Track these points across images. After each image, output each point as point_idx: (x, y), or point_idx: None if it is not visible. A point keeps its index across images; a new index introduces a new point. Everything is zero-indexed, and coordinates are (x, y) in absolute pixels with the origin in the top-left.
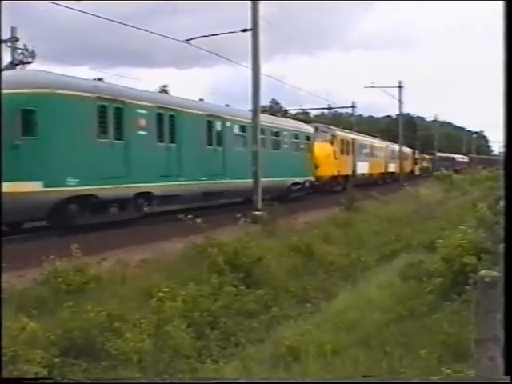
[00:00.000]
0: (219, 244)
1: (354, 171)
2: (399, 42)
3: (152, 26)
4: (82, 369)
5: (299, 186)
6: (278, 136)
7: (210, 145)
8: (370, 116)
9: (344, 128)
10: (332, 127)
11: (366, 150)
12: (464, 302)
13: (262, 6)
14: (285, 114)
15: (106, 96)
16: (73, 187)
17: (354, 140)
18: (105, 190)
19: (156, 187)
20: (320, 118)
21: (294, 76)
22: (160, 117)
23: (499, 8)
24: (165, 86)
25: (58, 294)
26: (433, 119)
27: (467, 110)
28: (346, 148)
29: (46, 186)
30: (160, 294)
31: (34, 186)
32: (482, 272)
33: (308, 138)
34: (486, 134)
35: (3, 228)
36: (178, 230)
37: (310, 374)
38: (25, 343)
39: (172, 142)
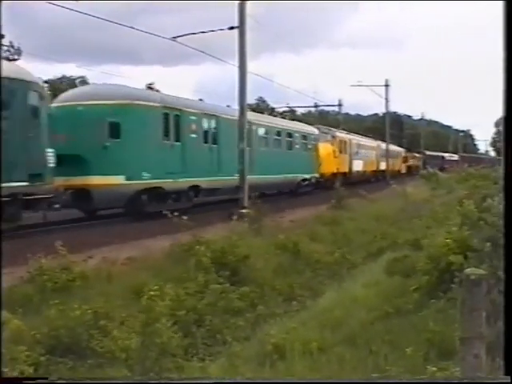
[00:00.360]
0: (206, 242)
1: (350, 169)
2: (386, 41)
3: (139, 24)
4: (68, 367)
5: (307, 182)
6: (291, 137)
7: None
8: (357, 114)
9: (330, 126)
10: (332, 129)
11: (360, 150)
12: (450, 300)
13: (249, 4)
14: (272, 111)
15: (168, 105)
16: (146, 180)
17: (350, 140)
18: (168, 183)
19: (203, 181)
20: (307, 117)
21: (282, 74)
22: (205, 122)
23: (487, 7)
24: (151, 84)
25: (43, 292)
26: (420, 118)
27: (454, 108)
28: (344, 148)
29: (127, 180)
30: (146, 291)
31: (119, 180)
32: (468, 270)
33: (314, 139)
34: (472, 132)
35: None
36: (165, 227)
37: (295, 372)
38: (10, 341)
39: (214, 143)
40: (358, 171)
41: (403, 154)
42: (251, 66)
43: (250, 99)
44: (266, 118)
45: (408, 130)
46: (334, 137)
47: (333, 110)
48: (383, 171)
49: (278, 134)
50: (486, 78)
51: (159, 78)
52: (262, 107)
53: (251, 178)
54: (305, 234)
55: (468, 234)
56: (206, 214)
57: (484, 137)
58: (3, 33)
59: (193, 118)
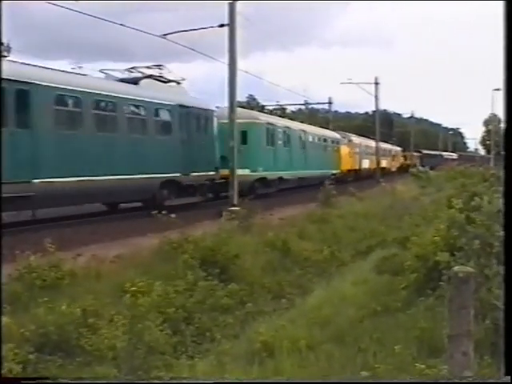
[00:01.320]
0: (195, 240)
1: (360, 166)
2: (377, 40)
3: (131, 21)
4: (57, 365)
5: (333, 176)
6: (325, 142)
7: (303, 148)
8: (347, 112)
9: (320, 124)
10: (347, 134)
11: (367, 150)
12: (438, 297)
13: (240, 3)
14: (262, 109)
15: (268, 122)
16: (260, 173)
17: (360, 143)
18: (269, 175)
19: (285, 174)
20: (297, 115)
21: (273, 73)
22: (285, 132)
23: (477, 7)
24: None
25: (32, 289)
26: (409, 116)
27: (444, 107)
28: (355, 149)
29: (251, 172)
30: (135, 289)
31: (246, 172)
32: (456, 268)
33: (337, 143)
34: (461, 130)
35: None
36: (154, 225)
37: (284, 370)
38: None
39: (286, 146)
40: (365, 168)
41: (403, 153)
42: (242, 63)
43: (241, 97)
44: (311, 128)
45: (398, 128)
46: (349, 140)
47: (323, 108)
48: (383, 168)
49: (319, 139)
50: (475, 76)
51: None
52: (252, 105)
53: (304, 172)
54: (294, 231)
55: (456, 232)
56: (196, 212)
57: (473, 135)
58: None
59: (279, 130)
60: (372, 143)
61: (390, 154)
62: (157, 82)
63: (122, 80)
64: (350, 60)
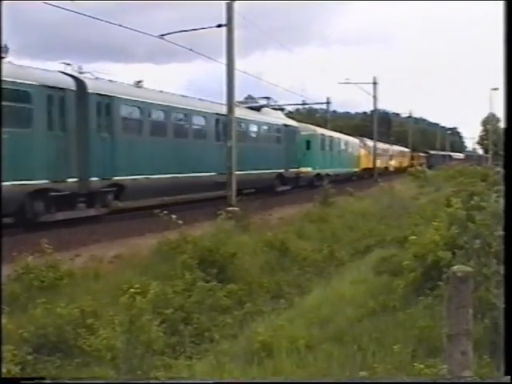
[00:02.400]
0: (193, 240)
1: (374, 165)
2: (378, 38)
3: (130, 21)
4: (56, 366)
5: (355, 173)
6: (349, 146)
7: (338, 152)
8: (345, 112)
9: (318, 124)
10: (364, 138)
11: (379, 152)
12: (437, 297)
13: (240, 2)
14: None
15: (321, 133)
16: (317, 170)
17: (374, 146)
18: (322, 172)
19: (329, 171)
20: (295, 114)
21: (272, 72)
22: (329, 141)
23: (477, 6)
24: (139, 82)
25: (30, 290)
26: (408, 115)
27: (442, 106)
28: (370, 151)
29: (312, 170)
30: (133, 290)
31: (309, 169)
32: (455, 267)
33: (357, 146)
34: (459, 130)
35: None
36: (153, 225)
37: (282, 370)
38: None
39: (330, 151)
40: (378, 167)
41: (411, 154)
42: (241, 63)
43: (239, 96)
44: (340, 135)
45: (396, 127)
46: (365, 144)
47: (321, 108)
48: (393, 166)
49: (345, 144)
50: (473, 76)
51: (150, 75)
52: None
53: (340, 169)
54: (292, 231)
55: (455, 231)
56: (194, 212)
57: (471, 135)
58: None
59: (327, 139)
60: (383, 145)
61: (400, 155)
62: (270, 109)
63: (251, 107)
64: (350, 59)
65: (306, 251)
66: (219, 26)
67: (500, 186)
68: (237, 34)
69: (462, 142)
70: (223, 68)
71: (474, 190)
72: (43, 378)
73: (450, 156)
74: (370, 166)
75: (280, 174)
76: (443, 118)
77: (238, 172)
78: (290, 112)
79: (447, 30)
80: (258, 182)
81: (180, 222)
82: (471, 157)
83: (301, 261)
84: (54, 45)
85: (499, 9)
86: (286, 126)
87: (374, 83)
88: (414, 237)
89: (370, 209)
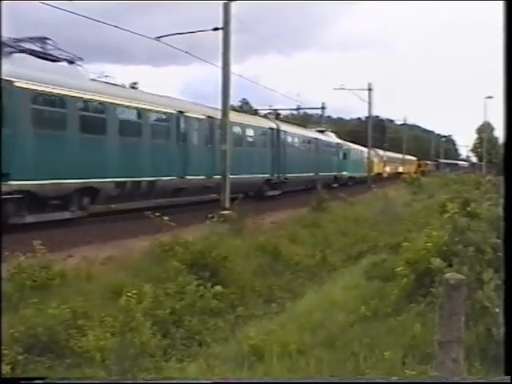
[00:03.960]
0: (186, 243)
1: (384, 171)
2: (377, 44)
3: (127, 22)
4: (46, 366)
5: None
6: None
7: (361, 160)
8: (339, 118)
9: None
10: (376, 149)
11: (389, 159)
12: (429, 304)
13: (238, 6)
14: (255, 113)
15: (354, 148)
16: (348, 173)
17: (384, 154)
18: (350, 175)
19: (353, 174)
20: (290, 119)
21: (270, 77)
22: (354, 152)
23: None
24: (135, 83)
25: (22, 290)
26: (402, 122)
27: (437, 114)
28: (381, 159)
29: (347, 173)
30: (125, 291)
31: (346, 173)
32: (447, 275)
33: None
34: (454, 138)
35: None
36: (146, 227)
37: (273, 374)
38: None
39: (355, 159)
40: (388, 172)
41: (418, 162)
42: (239, 67)
43: (235, 100)
44: (358, 146)
45: (390, 133)
46: (377, 154)
47: (316, 113)
48: (400, 173)
49: (361, 152)
50: (468, 84)
51: (147, 77)
52: (245, 109)
53: (359, 173)
54: (285, 235)
55: (449, 237)
56: (188, 215)
57: (465, 142)
58: None
59: (354, 150)
60: (391, 154)
61: (407, 163)
62: (329, 132)
63: (318, 131)
64: (348, 64)
65: (299, 256)
66: (215, 29)
67: (491, 194)
68: (235, 37)
69: (456, 150)
70: (220, 71)
71: (469, 196)
72: (44, 378)
73: (456, 164)
74: (381, 171)
75: (335, 176)
76: (438, 126)
77: (322, 173)
78: (286, 117)
79: (444, 38)
80: (325, 179)
81: (173, 224)
82: (475, 165)
83: (293, 265)
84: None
85: (498, 17)
86: (337, 143)
87: (369, 89)
88: (406, 243)
89: (363, 214)
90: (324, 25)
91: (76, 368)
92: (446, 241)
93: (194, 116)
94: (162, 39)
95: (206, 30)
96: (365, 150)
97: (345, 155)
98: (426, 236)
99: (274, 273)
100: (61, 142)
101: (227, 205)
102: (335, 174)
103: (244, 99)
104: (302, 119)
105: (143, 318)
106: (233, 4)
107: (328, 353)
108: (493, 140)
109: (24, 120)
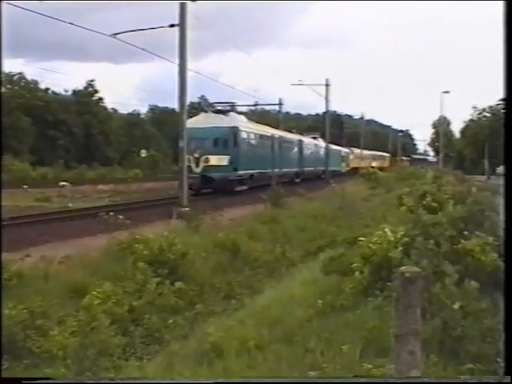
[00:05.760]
0: (144, 240)
1: (359, 166)
2: (336, 41)
3: (87, 20)
4: (4, 368)
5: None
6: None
7: (346, 158)
8: (297, 113)
9: (271, 125)
10: (352, 148)
11: (364, 156)
12: (386, 297)
13: (198, 3)
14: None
15: (345, 151)
16: (330, 168)
17: (360, 152)
18: (342, 170)
19: (342, 170)
20: (249, 116)
21: (231, 73)
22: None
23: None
24: (91, 81)
25: None
26: (360, 117)
27: (394, 109)
28: (356, 156)
29: (330, 168)
30: (83, 290)
31: (341, 167)
32: (403, 268)
33: (347, 153)
34: (411, 132)
35: None
36: (104, 225)
37: (232, 370)
38: None
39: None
40: (362, 167)
41: (392, 158)
42: (199, 64)
43: (193, 97)
44: (338, 147)
45: (348, 129)
46: (352, 151)
47: (274, 110)
48: (373, 167)
49: (344, 153)
50: (425, 79)
51: (107, 75)
52: (203, 105)
53: (345, 168)
54: (244, 232)
55: (407, 231)
56: (146, 212)
57: (422, 137)
58: None
59: (332, 151)
60: (366, 152)
61: (381, 158)
62: (319, 138)
63: (312, 137)
64: (308, 61)
65: (258, 252)
66: (172, 25)
67: (447, 187)
68: (194, 35)
69: (414, 144)
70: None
71: (427, 189)
72: (44, 378)
73: (426, 159)
74: (357, 165)
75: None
76: (395, 120)
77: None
78: (246, 113)
79: (402, 36)
80: (330, 172)
81: (129, 222)
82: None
83: (252, 261)
84: (6, 43)
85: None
86: (339, 150)
87: (327, 85)
88: (364, 238)
89: (322, 210)
90: (284, 22)
91: (34, 368)
92: (405, 234)
93: (295, 138)
94: (120, 36)
95: (163, 27)
96: (342, 149)
97: (327, 154)
98: (384, 230)
99: (233, 269)
100: (254, 152)
101: (185, 202)
102: (338, 169)
103: (202, 96)
104: (260, 115)
105: (102, 317)
106: (193, 2)
107: (286, 348)
108: (448, 134)
109: (243, 143)
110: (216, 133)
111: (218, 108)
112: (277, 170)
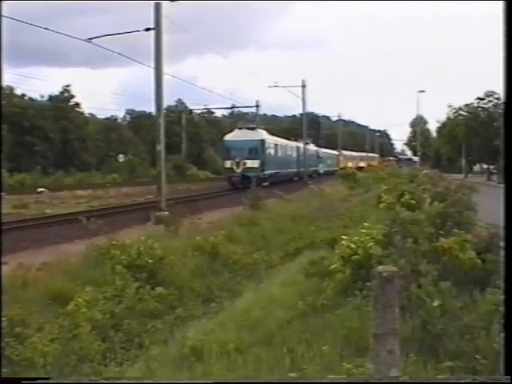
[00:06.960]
0: (122, 245)
1: (346, 166)
2: (314, 42)
3: (65, 26)
4: None
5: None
6: (335, 154)
7: (333, 159)
8: (274, 115)
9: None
10: (341, 151)
11: (351, 156)
12: (365, 297)
13: (174, 6)
14: (190, 113)
15: (328, 152)
16: (324, 169)
17: (349, 154)
18: (327, 170)
19: (328, 170)
20: (227, 118)
21: (208, 77)
22: (329, 155)
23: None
24: (67, 86)
25: None
26: (337, 118)
27: (371, 109)
28: (345, 157)
29: (323, 168)
30: (62, 297)
31: (320, 168)
32: (380, 267)
33: (336, 155)
34: (389, 132)
35: None
36: (83, 231)
37: (212, 374)
38: None
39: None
40: (350, 167)
41: (381, 158)
42: (176, 68)
43: (170, 101)
44: (333, 151)
45: (325, 130)
46: (341, 153)
47: (252, 112)
48: (362, 167)
49: (335, 155)
50: (401, 79)
51: (84, 80)
52: (179, 109)
53: (332, 168)
54: (223, 235)
55: (386, 229)
56: (124, 217)
57: (400, 136)
58: None
59: (324, 154)
60: (354, 153)
61: (368, 159)
62: (310, 144)
63: (306, 143)
64: (285, 63)
65: (237, 255)
66: (147, 29)
67: (426, 186)
68: (171, 38)
69: (392, 144)
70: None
71: (406, 188)
72: (44, 378)
73: (410, 159)
74: (345, 165)
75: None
76: (372, 121)
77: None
78: (223, 116)
79: (378, 37)
80: (310, 172)
81: (107, 227)
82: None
83: (231, 264)
84: None
85: (426, 9)
86: (316, 150)
87: (303, 86)
88: (343, 238)
89: (300, 211)
90: (261, 24)
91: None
92: (383, 232)
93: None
94: (96, 41)
95: (139, 31)
96: (333, 152)
97: (319, 157)
98: (362, 230)
99: (212, 272)
100: (274, 157)
101: (163, 206)
102: (315, 168)
103: (179, 100)
104: (237, 118)
105: (82, 323)
106: (169, 5)
107: (266, 350)
108: (426, 133)
109: (267, 151)
110: (250, 144)
111: (250, 125)
112: (284, 171)
